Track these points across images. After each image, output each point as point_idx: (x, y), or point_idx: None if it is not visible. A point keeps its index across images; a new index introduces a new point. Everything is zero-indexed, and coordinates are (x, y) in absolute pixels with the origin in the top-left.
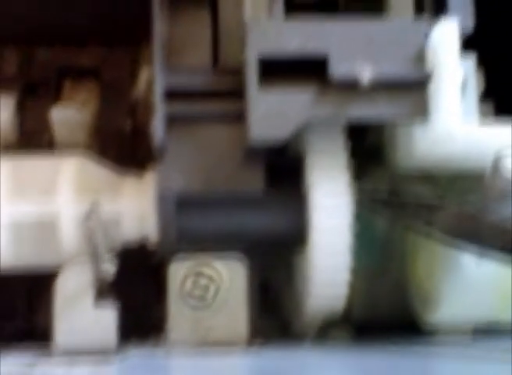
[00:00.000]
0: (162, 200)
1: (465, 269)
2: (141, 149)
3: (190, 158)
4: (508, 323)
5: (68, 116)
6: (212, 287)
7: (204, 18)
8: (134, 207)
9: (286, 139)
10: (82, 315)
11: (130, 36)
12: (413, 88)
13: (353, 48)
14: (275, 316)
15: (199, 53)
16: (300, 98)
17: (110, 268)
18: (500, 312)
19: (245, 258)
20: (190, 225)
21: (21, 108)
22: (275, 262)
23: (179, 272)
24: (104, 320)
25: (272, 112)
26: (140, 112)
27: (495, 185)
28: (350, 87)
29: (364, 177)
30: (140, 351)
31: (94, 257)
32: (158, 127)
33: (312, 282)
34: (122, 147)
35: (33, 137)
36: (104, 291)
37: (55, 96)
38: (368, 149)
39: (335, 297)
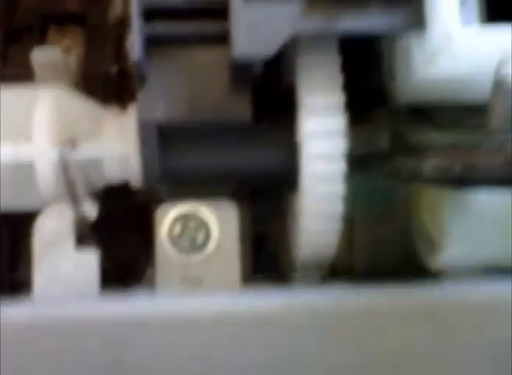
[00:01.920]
0: (144, 129)
1: (471, 207)
2: (127, 93)
3: (172, 84)
4: None
5: (50, 58)
6: (202, 232)
7: None
8: (116, 144)
9: (271, 55)
10: (62, 259)
11: None
12: None
13: None
14: (271, 270)
15: None
16: (286, 9)
17: (91, 210)
18: (509, 251)
19: (238, 203)
20: (175, 160)
21: (4, 55)
22: (272, 213)
23: (166, 215)
24: (86, 265)
25: (257, 26)
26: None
27: (500, 97)
28: None
29: (364, 123)
30: (124, 296)
31: (73, 198)
32: (135, 47)
33: (305, 214)
34: (108, 91)
35: (16, 83)
36: (86, 234)
37: (39, 42)
38: (367, 93)
39: (328, 230)
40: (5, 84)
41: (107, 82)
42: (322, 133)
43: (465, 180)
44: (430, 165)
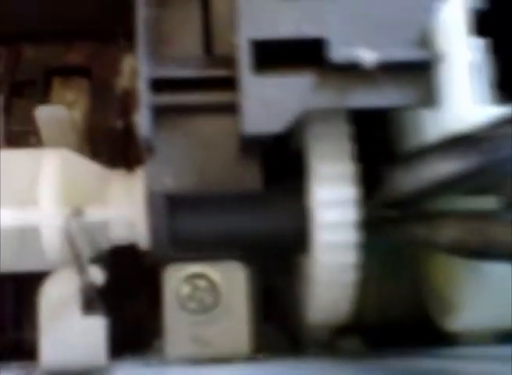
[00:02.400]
0: (152, 199)
1: (487, 272)
2: (134, 149)
3: (181, 154)
4: None
5: (54, 115)
6: (211, 294)
7: (194, 3)
8: (123, 208)
9: (282, 131)
10: (69, 326)
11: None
12: (420, 72)
13: (354, 29)
14: (282, 326)
15: (190, 41)
16: (297, 84)
17: (97, 275)
18: None
19: (246, 263)
20: (183, 226)
21: (8, 109)
22: (280, 268)
23: (175, 278)
24: (93, 332)
25: (267, 101)
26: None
27: None
28: (352, 72)
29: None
30: (133, 365)
31: (79, 265)
32: (144, 120)
33: (316, 282)
34: (115, 146)
35: (20, 139)
36: (93, 300)
37: (44, 96)
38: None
39: (340, 298)
40: (11, 142)
41: (113, 137)
42: (334, 203)
43: (483, 254)
44: (446, 236)
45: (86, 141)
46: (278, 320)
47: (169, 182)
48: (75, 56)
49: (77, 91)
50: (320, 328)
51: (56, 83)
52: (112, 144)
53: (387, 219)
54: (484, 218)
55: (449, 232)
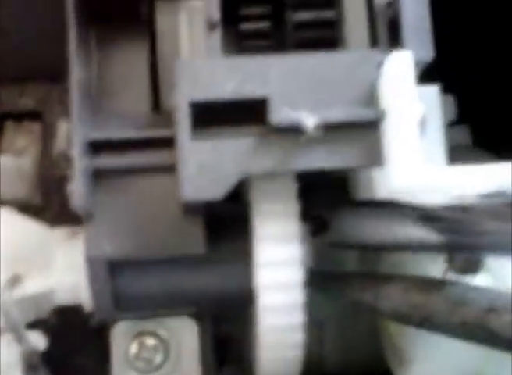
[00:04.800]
0: (92, 266)
1: None
2: None
3: (120, 218)
4: None
5: (5, 164)
6: (160, 350)
7: (141, 56)
8: (65, 273)
9: (223, 197)
10: None
11: None
12: (364, 132)
13: (297, 89)
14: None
15: (136, 97)
16: (237, 148)
17: (39, 341)
18: (484, 367)
19: (197, 317)
20: (127, 290)
21: None
22: (236, 316)
23: (122, 336)
24: None
25: (207, 166)
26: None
27: None
28: (294, 135)
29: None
30: None
31: (16, 334)
32: (79, 187)
33: (261, 344)
34: (67, 195)
35: None
36: (35, 367)
37: None
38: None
39: (287, 358)
40: None
41: (65, 186)
42: (278, 264)
43: (423, 327)
44: (387, 306)
45: (37, 189)
46: (235, 370)
47: (109, 247)
48: (26, 100)
49: (29, 136)
50: None
51: (8, 127)
52: (64, 193)
53: (334, 278)
54: (426, 290)
55: (390, 302)
